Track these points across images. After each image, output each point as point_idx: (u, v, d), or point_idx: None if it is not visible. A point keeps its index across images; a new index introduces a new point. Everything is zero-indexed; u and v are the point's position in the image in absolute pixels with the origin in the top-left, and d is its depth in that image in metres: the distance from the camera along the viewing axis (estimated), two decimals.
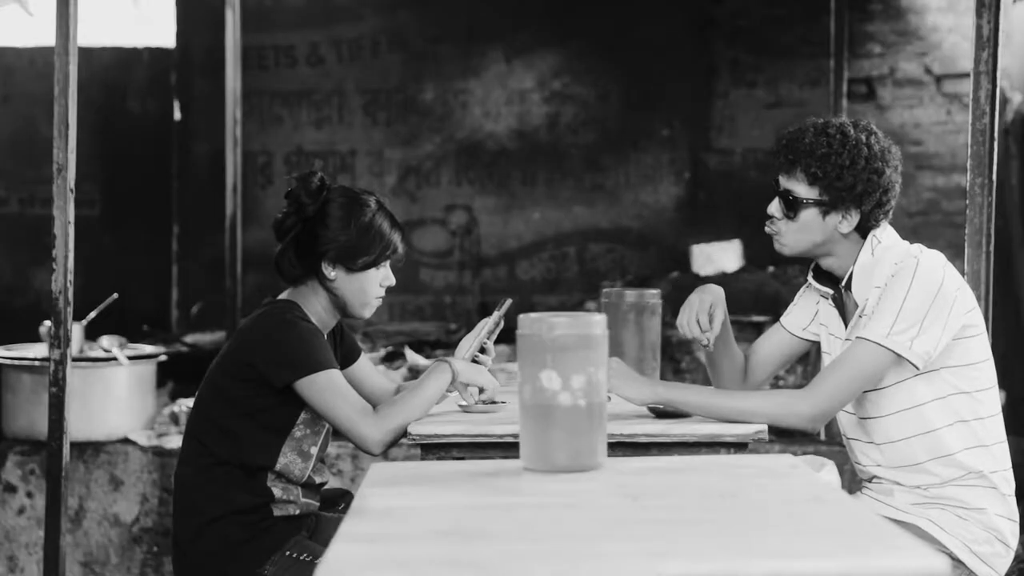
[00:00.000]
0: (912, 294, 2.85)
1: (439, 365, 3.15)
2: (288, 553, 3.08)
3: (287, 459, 3.13)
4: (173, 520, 3.20)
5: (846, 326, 3.06)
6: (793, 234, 2.99)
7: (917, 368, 2.88)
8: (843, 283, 3.02)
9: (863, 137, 2.95)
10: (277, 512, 3.12)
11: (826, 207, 2.94)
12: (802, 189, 2.96)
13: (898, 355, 2.85)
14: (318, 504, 3.25)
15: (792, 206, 2.97)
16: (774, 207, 3.02)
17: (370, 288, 3.19)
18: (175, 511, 3.18)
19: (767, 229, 3.05)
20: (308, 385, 3.02)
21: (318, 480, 3.22)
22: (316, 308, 3.18)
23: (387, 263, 3.21)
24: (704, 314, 3.10)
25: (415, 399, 3.06)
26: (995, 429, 2.97)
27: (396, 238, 3.20)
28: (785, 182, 2.99)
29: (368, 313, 3.23)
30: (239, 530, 3.08)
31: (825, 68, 6.84)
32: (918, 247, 2.97)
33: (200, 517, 3.10)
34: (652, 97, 7.51)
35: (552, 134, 7.55)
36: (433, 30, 7.56)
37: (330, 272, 3.15)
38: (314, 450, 3.18)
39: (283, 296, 3.21)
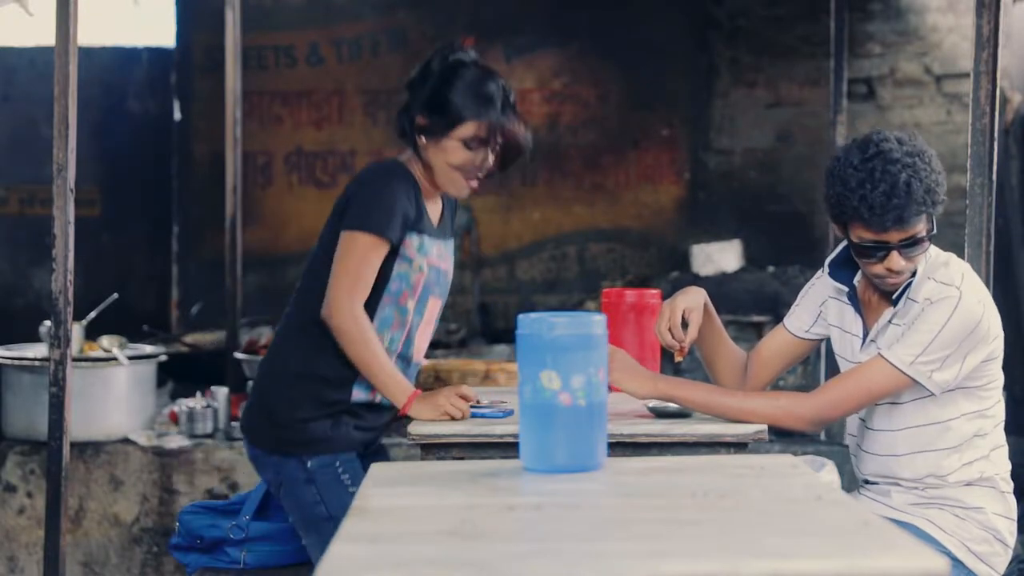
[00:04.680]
0: (948, 329, 2.80)
1: (405, 391, 3.08)
2: (338, 466, 3.10)
3: (385, 313, 3.14)
4: (259, 371, 3.23)
5: (863, 323, 3.03)
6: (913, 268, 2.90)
7: (934, 394, 2.87)
8: (898, 292, 2.92)
9: (909, 140, 2.88)
10: (357, 393, 3.12)
11: (933, 226, 2.89)
12: (921, 227, 2.84)
13: (916, 382, 2.84)
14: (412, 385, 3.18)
15: (916, 246, 2.84)
16: (900, 263, 2.84)
17: (452, 158, 3.11)
18: (263, 366, 3.23)
19: (891, 283, 2.88)
20: (344, 237, 3.04)
21: (413, 358, 3.21)
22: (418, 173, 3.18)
23: (468, 141, 3.10)
24: (676, 326, 3.07)
25: (376, 359, 3.04)
26: (997, 437, 2.97)
27: (477, 112, 3.07)
28: (902, 234, 2.82)
29: (453, 191, 3.18)
30: (313, 402, 3.10)
31: (825, 68, 6.83)
32: (958, 267, 2.89)
33: (286, 371, 3.14)
34: (652, 97, 7.51)
35: (552, 134, 7.55)
36: (433, 30, 7.55)
37: (420, 139, 3.14)
38: (411, 304, 3.15)
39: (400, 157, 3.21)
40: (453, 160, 3.12)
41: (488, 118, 3.08)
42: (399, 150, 3.26)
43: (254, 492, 3.48)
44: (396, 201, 3.07)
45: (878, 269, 2.86)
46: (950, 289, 2.84)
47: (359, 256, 3.03)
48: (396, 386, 3.08)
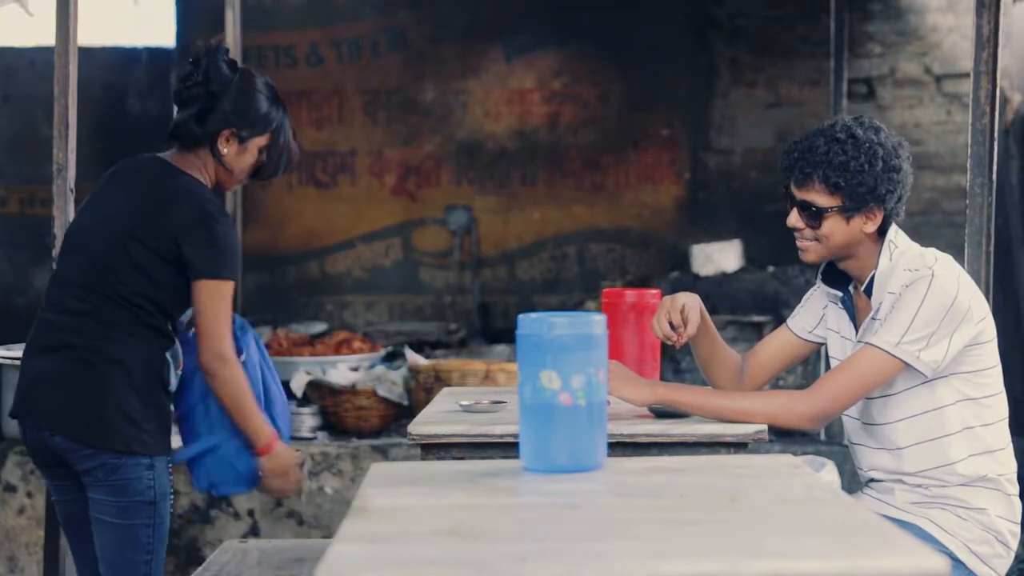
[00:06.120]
0: (925, 306, 2.83)
1: (271, 432, 3.26)
2: (169, 460, 3.19)
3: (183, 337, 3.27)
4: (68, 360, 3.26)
5: (856, 328, 3.05)
6: (821, 243, 2.96)
7: (926, 376, 2.88)
8: (863, 287, 3.00)
9: (873, 136, 2.93)
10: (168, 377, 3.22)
11: (850, 212, 2.92)
12: (823, 199, 2.91)
13: (906, 364, 2.85)
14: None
15: (815, 216, 2.93)
16: (795, 219, 2.96)
17: (249, 160, 3.29)
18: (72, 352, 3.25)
19: (798, 243, 2.99)
20: (212, 286, 3.13)
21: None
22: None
23: (264, 147, 3.30)
24: (676, 312, 3.08)
25: (253, 400, 3.20)
26: (1001, 434, 2.97)
27: (280, 119, 3.31)
28: (803, 194, 2.94)
29: (232, 187, 3.40)
30: (138, 385, 3.14)
31: (825, 68, 6.84)
32: (932, 254, 2.94)
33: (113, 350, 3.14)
34: (652, 97, 7.51)
35: (552, 134, 7.55)
36: (433, 30, 7.56)
37: (225, 146, 3.26)
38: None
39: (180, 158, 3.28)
40: (249, 162, 3.30)
41: (284, 125, 3.33)
42: (177, 152, 3.29)
43: None
44: (237, 241, 3.29)
45: (788, 221, 3.00)
46: (922, 271, 2.89)
47: (228, 304, 3.18)
48: (264, 426, 3.24)
